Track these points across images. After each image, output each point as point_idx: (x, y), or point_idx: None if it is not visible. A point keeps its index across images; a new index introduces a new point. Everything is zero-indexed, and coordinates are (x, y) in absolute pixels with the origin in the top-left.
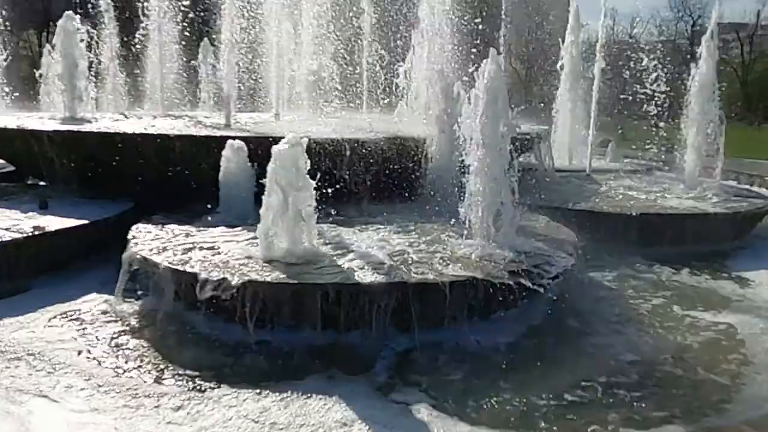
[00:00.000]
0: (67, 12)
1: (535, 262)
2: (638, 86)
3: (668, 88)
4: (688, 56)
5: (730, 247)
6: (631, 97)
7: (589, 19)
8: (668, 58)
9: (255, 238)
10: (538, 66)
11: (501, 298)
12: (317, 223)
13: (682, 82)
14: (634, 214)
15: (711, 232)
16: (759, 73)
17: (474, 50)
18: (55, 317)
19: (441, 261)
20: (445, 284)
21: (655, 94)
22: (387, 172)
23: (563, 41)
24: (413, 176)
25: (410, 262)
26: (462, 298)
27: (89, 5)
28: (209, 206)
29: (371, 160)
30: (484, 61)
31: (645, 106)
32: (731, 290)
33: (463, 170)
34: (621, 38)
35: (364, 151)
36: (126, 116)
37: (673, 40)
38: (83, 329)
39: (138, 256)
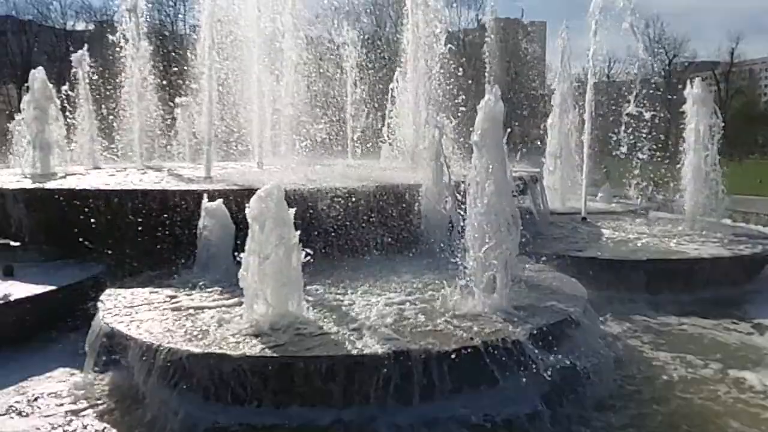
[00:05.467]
0: (35, 69)
1: (541, 322)
2: (621, 126)
3: (651, 127)
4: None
5: (741, 291)
6: (614, 137)
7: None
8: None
9: (236, 302)
10: (519, 108)
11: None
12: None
13: (662, 121)
14: (643, 259)
15: (723, 277)
16: (736, 109)
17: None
18: (15, 401)
19: (442, 324)
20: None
21: (640, 133)
22: (378, 221)
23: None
24: (405, 225)
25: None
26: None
27: (67, 54)
28: (187, 265)
29: (362, 210)
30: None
31: (630, 145)
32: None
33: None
34: (599, 78)
35: (353, 200)
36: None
37: (649, 79)
38: (45, 416)
39: (107, 327)
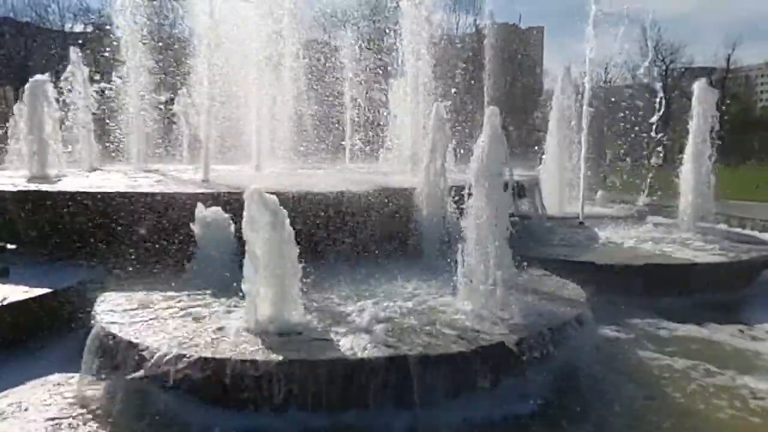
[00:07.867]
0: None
1: (540, 326)
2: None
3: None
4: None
5: (739, 296)
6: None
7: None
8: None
9: (236, 306)
10: (517, 112)
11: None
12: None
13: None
14: (640, 264)
15: (721, 282)
16: (733, 115)
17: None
18: (9, 405)
19: (439, 329)
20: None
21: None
22: (376, 225)
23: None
24: (403, 229)
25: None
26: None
27: (65, 56)
28: (185, 268)
29: (359, 214)
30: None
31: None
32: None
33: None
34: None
35: (351, 203)
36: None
37: (647, 84)
38: (40, 421)
39: (104, 331)
